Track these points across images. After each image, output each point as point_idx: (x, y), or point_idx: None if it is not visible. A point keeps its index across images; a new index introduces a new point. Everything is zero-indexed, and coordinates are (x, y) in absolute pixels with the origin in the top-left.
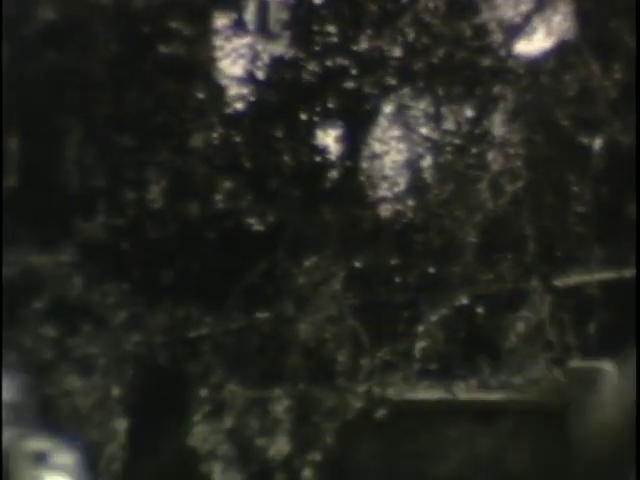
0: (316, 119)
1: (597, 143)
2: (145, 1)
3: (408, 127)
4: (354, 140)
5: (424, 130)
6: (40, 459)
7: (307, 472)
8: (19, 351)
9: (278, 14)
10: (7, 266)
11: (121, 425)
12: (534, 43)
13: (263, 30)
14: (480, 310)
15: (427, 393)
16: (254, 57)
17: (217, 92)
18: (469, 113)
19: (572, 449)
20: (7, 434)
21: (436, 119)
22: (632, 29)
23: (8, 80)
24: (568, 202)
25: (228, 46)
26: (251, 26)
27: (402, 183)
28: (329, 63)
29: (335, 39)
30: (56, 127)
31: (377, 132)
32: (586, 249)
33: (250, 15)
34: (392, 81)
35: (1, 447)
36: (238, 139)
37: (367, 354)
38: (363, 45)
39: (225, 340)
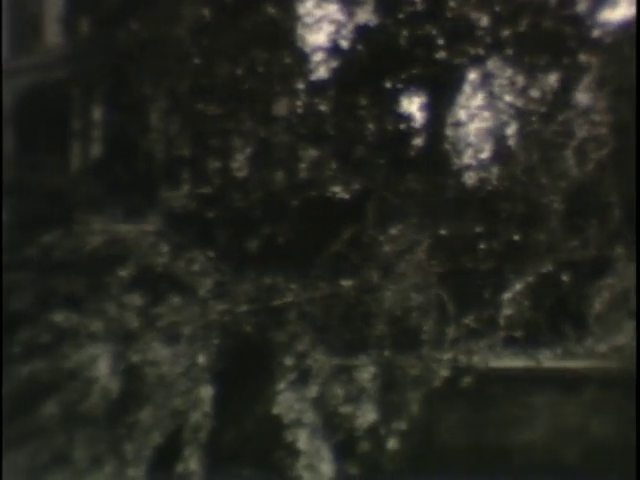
0: (401, 86)
1: None
2: None
3: (493, 95)
4: (439, 107)
5: (509, 98)
6: None
7: (392, 440)
8: (105, 320)
9: None
10: (93, 235)
11: (206, 393)
12: (618, 12)
13: None
14: (565, 277)
15: (512, 361)
16: (339, 25)
17: (302, 60)
18: (554, 81)
19: None
20: None
21: (521, 87)
22: None
23: (95, 49)
24: None
25: (313, 14)
26: None
27: (487, 151)
28: (414, 31)
29: (421, 6)
30: (142, 96)
31: (462, 99)
32: None
33: None
34: (478, 49)
35: (1, 447)
36: (323, 107)
37: (452, 322)
38: (449, 13)
39: (310, 308)
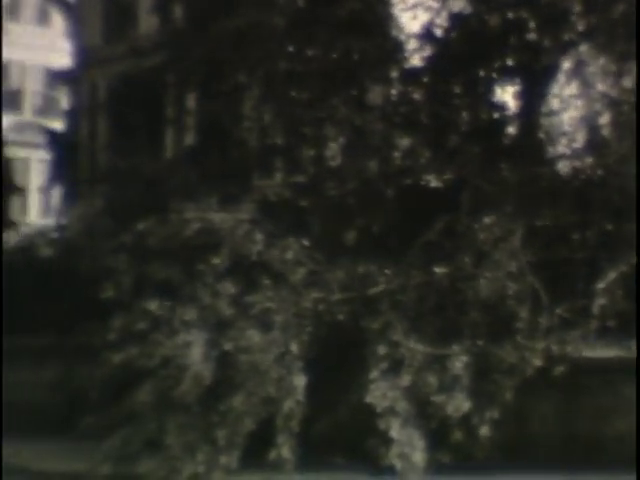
0: (494, 75)
1: None
2: None
3: (586, 83)
4: (532, 96)
5: (602, 86)
6: None
7: (484, 429)
8: (198, 308)
9: None
10: (188, 223)
11: (299, 381)
12: None
13: None
14: None
15: (606, 351)
16: (433, 12)
17: (396, 48)
18: None
19: None
20: None
21: (615, 75)
22: None
23: (189, 37)
24: None
25: (408, 2)
26: None
27: (580, 140)
28: (508, 18)
29: None
30: (236, 84)
31: (555, 88)
32: None
33: None
34: (571, 37)
35: (1, 447)
36: (417, 95)
37: (546, 311)
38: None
39: (404, 297)
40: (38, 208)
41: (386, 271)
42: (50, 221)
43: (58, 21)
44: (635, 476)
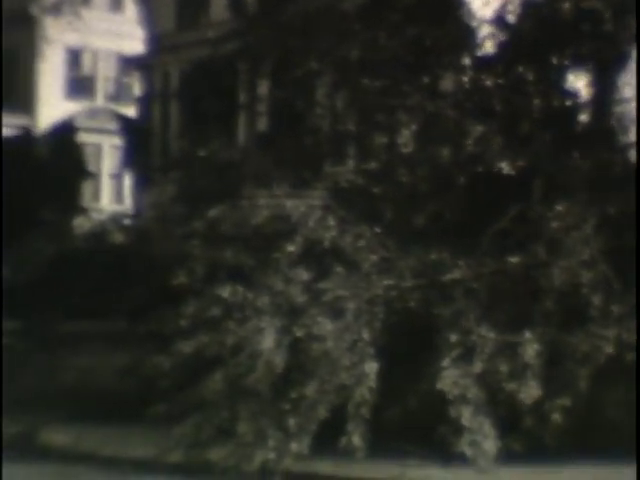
0: (567, 62)
1: None
2: None
3: None
4: (604, 84)
5: None
6: None
7: (556, 416)
8: (271, 294)
9: None
10: (260, 209)
11: (371, 368)
12: None
13: None
14: None
15: None
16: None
17: (469, 35)
18: None
19: None
20: None
21: None
22: None
23: (262, 24)
24: None
25: None
26: None
27: None
28: (580, 5)
29: None
30: (308, 71)
31: (627, 76)
32: None
33: None
34: None
35: (1, 446)
36: (489, 83)
37: (618, 299)
38: None
39: (476, 284)
40: (110, 194)
41: (458, 260)
42: (122, 207)
43: (131, 8)
44: (636, 473)
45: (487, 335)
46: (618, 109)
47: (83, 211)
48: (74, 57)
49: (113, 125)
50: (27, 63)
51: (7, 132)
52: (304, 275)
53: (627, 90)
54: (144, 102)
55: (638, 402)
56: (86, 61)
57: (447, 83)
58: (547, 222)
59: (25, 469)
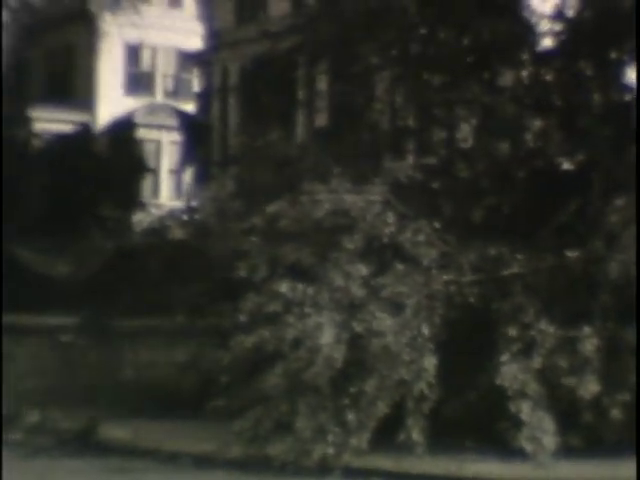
0: (626, 57)
1: None
2: None
3: None
4: None
5: None
6: None
7: (615, 411)
8: (330, 290)
9: None
10: (319, 205)
11: (430, 363)
12: None
13: None
14: None
15: None
16: None
17: (527, 30)
18: None
19: None
20: None
21: None
22: None
23: (321, 19)
24: None
25: None
26: None
27: None
28: None
29: None
30: (368, 66)
31: None
32: None
33: None
34: None
35: (1, 443)
36: (548, 77)
37: None
38: None
39: (535, 279)
40: (169, 190)
41: (517, 254)
42: (181, 203)
43: (190, 3)
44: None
45: (546, 330)
46: None
47: (142, 207)
48: (133, 53)
49: (172, 121)
50: (86, 60)
51: (67, 129)
52: (363, 270)
53: None
54: (203, 98)
55: (638, 402)
56: (145, 57)
57: (506, 78)
58: (606, 217)
59: (85, 464)
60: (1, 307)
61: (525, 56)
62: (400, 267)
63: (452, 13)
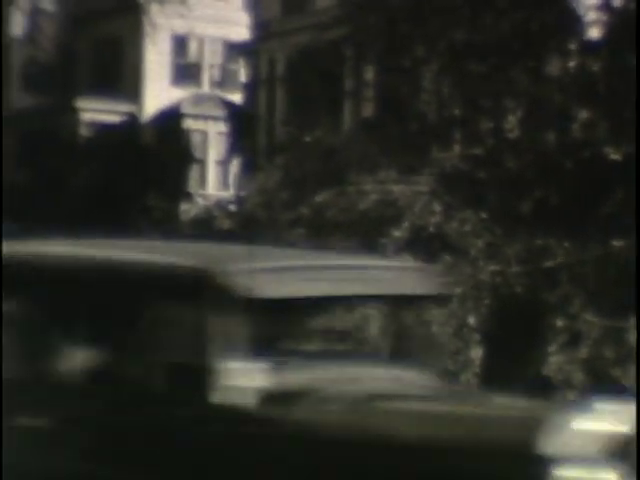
0: None
1: None
2: None
3: None
4: None
5: None
6: None
7: None
8: None
9: None
10: (366, 195)
11: (476, 354)
12: None
13: None
14: None
15: None
16: None
17: (574, 19)
18: None
19: None
20: None
21: None
22: None
23: (367, 10)
24: None
25: None
26: None
27: None
28: None
29: None
30: (414, 57)
31: None
32: None
33: None
34: None
35: (1, 441)
36: (594, 67)
37: None
38: None
39: (582, 269)
40: (216, 181)
41: (564, 245)
42: (228, 193)
43: None
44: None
45: (593, 320)
46: None
47: (189, 197)
48: (180, 44)
49: (219, 112)
50: (133, 50)
51: (114, 119)
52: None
53: None
54: (250, 88)
55: (638, 402)
56: (192, 48)
57: (553, 68)
58: None
59: None
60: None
61: (572, 46)
62: (447, 257)
63: (499, 2)
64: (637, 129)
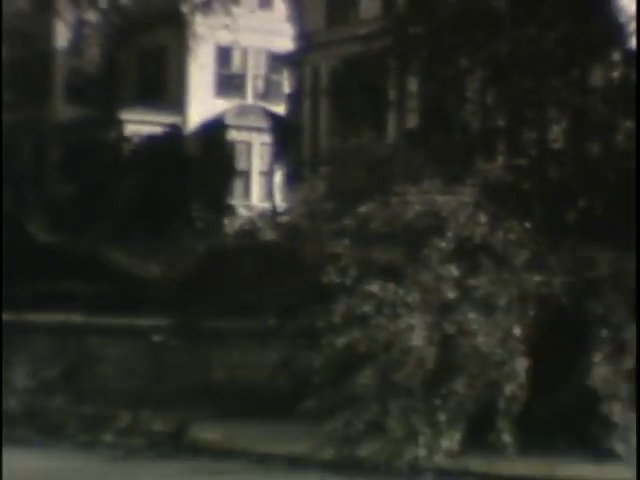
0: None
1: None
2: None
3: None
4: None
5: None
6: None
7: None
8: (421, 291)
9: None
10: (410, 206)
11: (521, 364)
12: None
13: None
14: None
15: None
16: None
17: (618, 30)
18: None
19: None
20: None
21: None
22: None
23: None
24: None
25: None
26: None
27: None
28: None
29: None
30: (458, 67)
31: None
32: None
33: None
34: None
35: (1, 446)
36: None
37: None
38: None
39: (627, 279)
40: (260, 192)
41: (609, 253)
42: (272, 204)
43: (280, 5)
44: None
45: (637, 331)
46: None
47: (232, 209)
48: (224, 55)
49: (263, 123)
50: (178, 61)
51: (157, 130)
52: (455, 271)
53: None
54: (293, 99)
55: (638, 401)
56: (236, 59)
57: (596, 78)
58: None
59: (177, 466)
60: (1, 306)
61: (615, 56)
62: (491, 268)
63: (543, 13)
64: (637, 130)
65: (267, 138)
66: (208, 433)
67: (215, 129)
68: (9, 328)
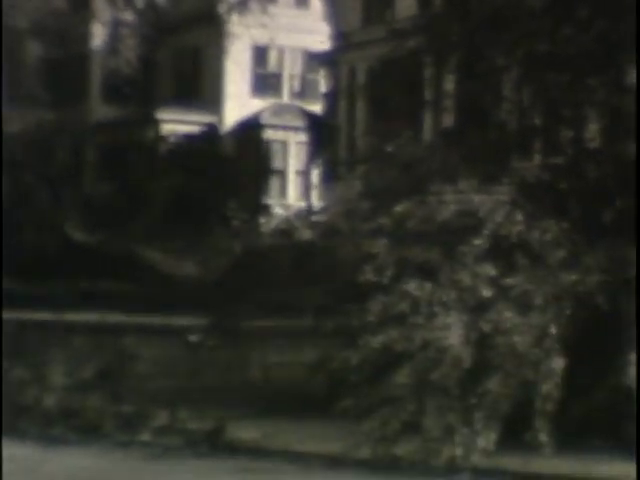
0: None
1: None
2: None
3: None
4: None
5: None
6: None
7: None
8: (458, 289)
9: None
10: (447, 205)
11: (558, 364)
12: None
13: None
14: None
15: None
16: None
17: None
18: None
19: None
20: None
21: None
22: None
23: (447, 19)
24: None
25: None
26: None
27: None
28: None
29: None
30: (494, 66)
31: None
32: None
33: None
34: None
35: (1, 450)
36: None
37: None
38: None
39: None
40: (297, 191)
41: None
42: (308, 203)
43: (316, 4)
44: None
45: None
46: None
47: (268, 208)
48: (260, 54)
49: (299, 122)
50: (214, 61)
51: (194, 130)
52: (491, 270)
53: None
54: (330, 98)
55: (638, 401)
56: (272, 58)
57: (632, 77)
58: None
59: (213, 465)
60: (1, 304)
61: None
62: (528, 267)
63: (577, 11)
64: (637, 131)
65: (303, 137)
66: (245, 432)
67: (251, 128)
68: (46, 327)
